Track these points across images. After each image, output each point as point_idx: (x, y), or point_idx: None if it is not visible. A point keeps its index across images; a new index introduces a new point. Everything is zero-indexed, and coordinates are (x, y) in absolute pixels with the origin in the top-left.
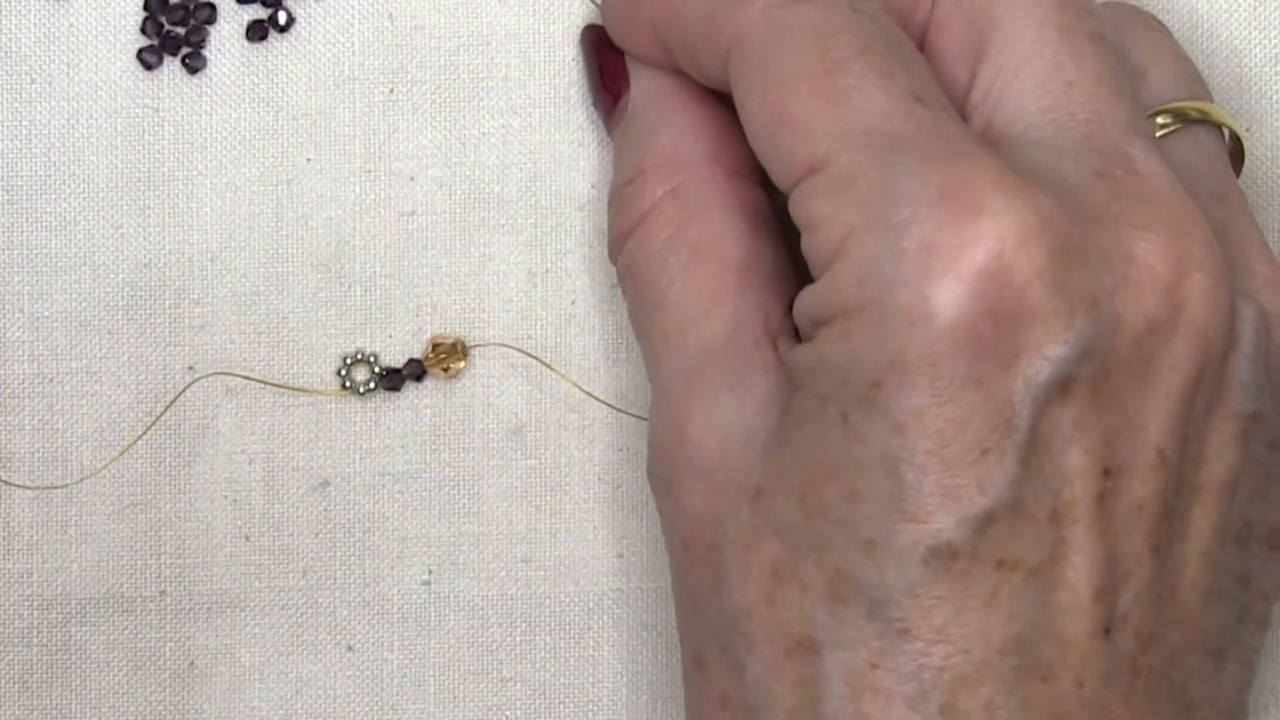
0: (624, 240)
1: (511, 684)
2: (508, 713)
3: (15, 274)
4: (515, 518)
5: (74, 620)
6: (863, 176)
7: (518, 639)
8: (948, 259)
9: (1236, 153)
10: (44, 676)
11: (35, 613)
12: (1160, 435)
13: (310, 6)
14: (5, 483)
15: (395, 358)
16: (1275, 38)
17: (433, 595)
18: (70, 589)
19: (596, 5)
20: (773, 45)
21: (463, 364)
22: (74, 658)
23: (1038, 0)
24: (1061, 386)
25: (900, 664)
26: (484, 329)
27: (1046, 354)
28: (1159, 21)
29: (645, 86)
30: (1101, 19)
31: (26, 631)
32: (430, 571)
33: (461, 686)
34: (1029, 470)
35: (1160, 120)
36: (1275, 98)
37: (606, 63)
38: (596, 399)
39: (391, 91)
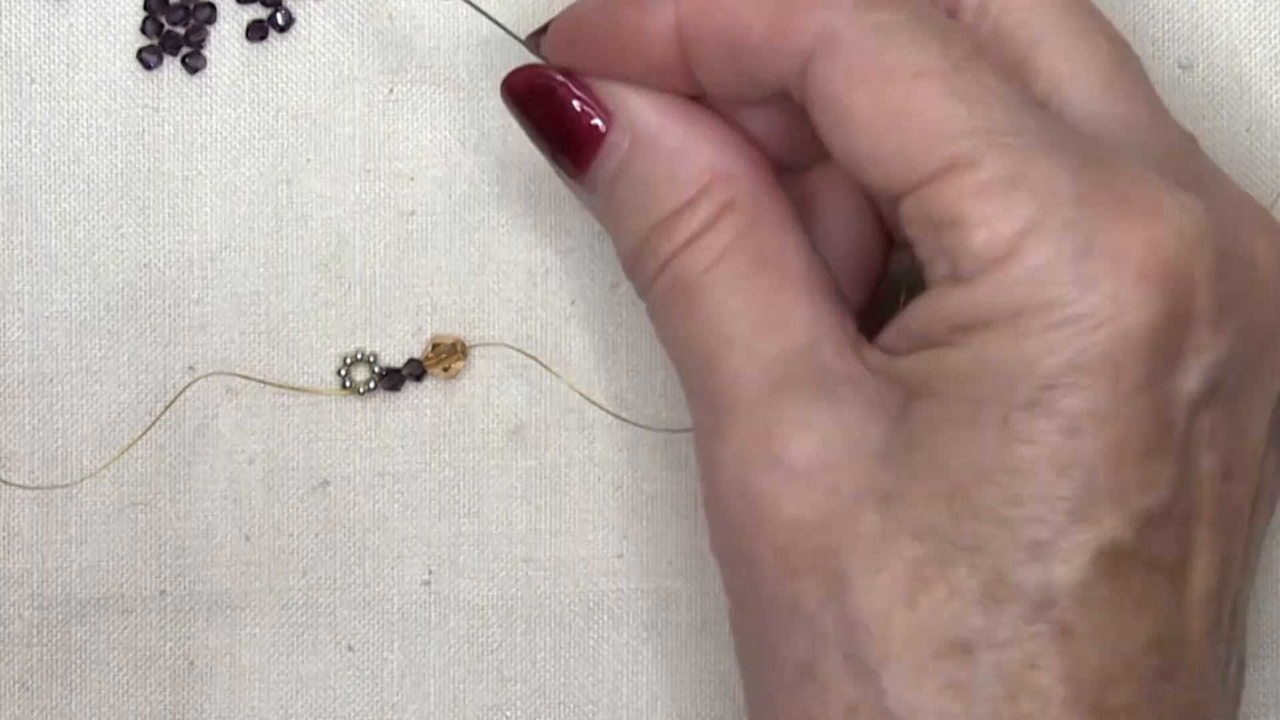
0: (671, 260)
1: (511, 684)
2: (508, 713)
3: (15, 274)
4: (515, 518)
5: (74, 620)
6: (1025, 177)
7: (518, 639)
8: (1134, 259)
9: None
10: (44, 676)
11: (35, 613)
12: (1258, 438)
13: (310, 6)
14: (5, 482)
15: (395, 358)
16: (1275, 38)
17: (433, 595)
18: (70, 589)
19: (527, 46)
20: (880, 39)
21: (462, 364)
22: (74, 658)
23: (1073, 9)
24: (1211, 389)
25: (1058, 665)
26: (484, 329)
27: (1204, 358)
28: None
29: (646, 110)
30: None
31: (26, 631)
32: (430, 571)
33: (461, 686)
34: (1181, 472)
35: None
36: (1275, 98)
37: (571, 100)
38: (593, 403)
39: (391, 91)
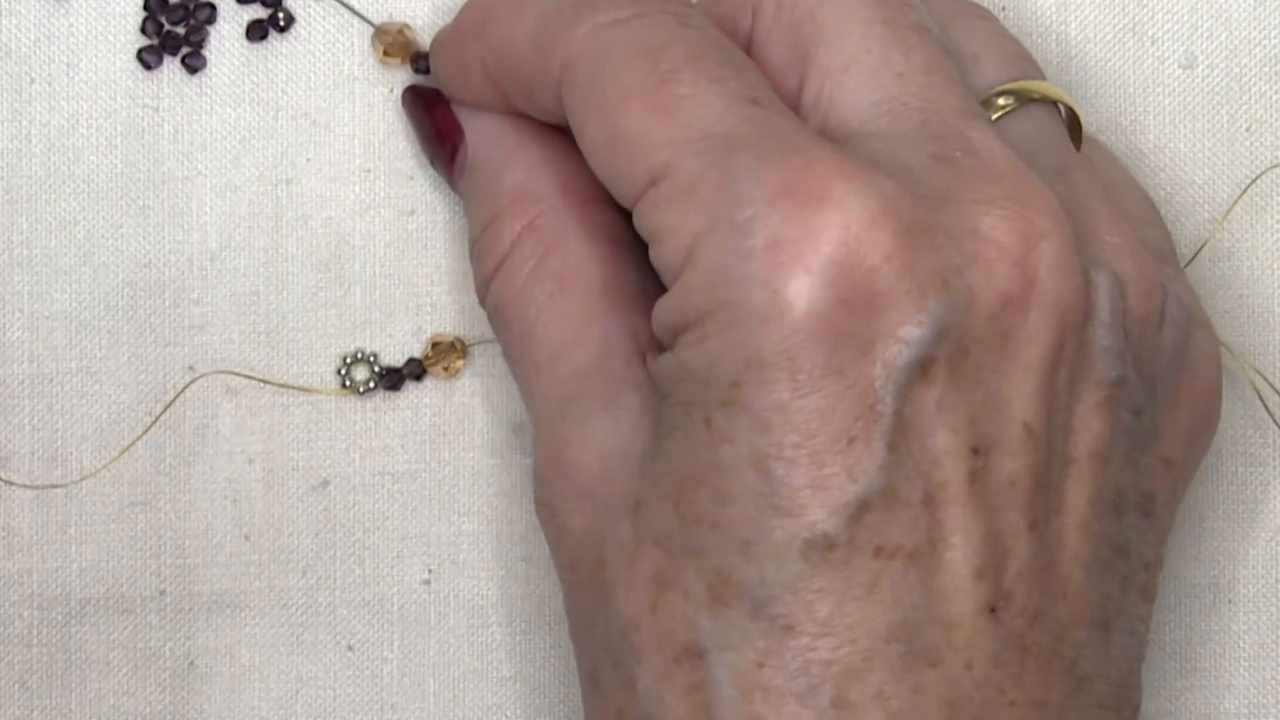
0: (489, 283)
1: (511, 684)
2: (508, 713)
3: (15, 274)
4: (515, 517)
5: (74, 620)
6: (703, 181)
7: (518, 639)
8: (795, 252)
9: (1075, 128)
10: (44, 676)
11: (35, 613)
12: (1025, 409)
13: (310, 6)
14: (6, 482)
15: (395, 357)
16: (1275, 38)
17: (433, 595)
18: (70, 589)
19: (416, 71)
20: (602, 64)
21: (462, 363)
22: (74, 658)
23: (857, 0)
24: (921, 368)
25: (788, 661)
26: (484, 329)
27: (903, 337)
28: (986, 10)
29: (482, 131)
30: (922, 11)
31: (26, 631)
32: (430, 571)
33: (461, 686)
34: (898, 455)
35: (1000, 102)
36: (1275, 98)
37: (437, 117)
38: None
39: (391, 91)
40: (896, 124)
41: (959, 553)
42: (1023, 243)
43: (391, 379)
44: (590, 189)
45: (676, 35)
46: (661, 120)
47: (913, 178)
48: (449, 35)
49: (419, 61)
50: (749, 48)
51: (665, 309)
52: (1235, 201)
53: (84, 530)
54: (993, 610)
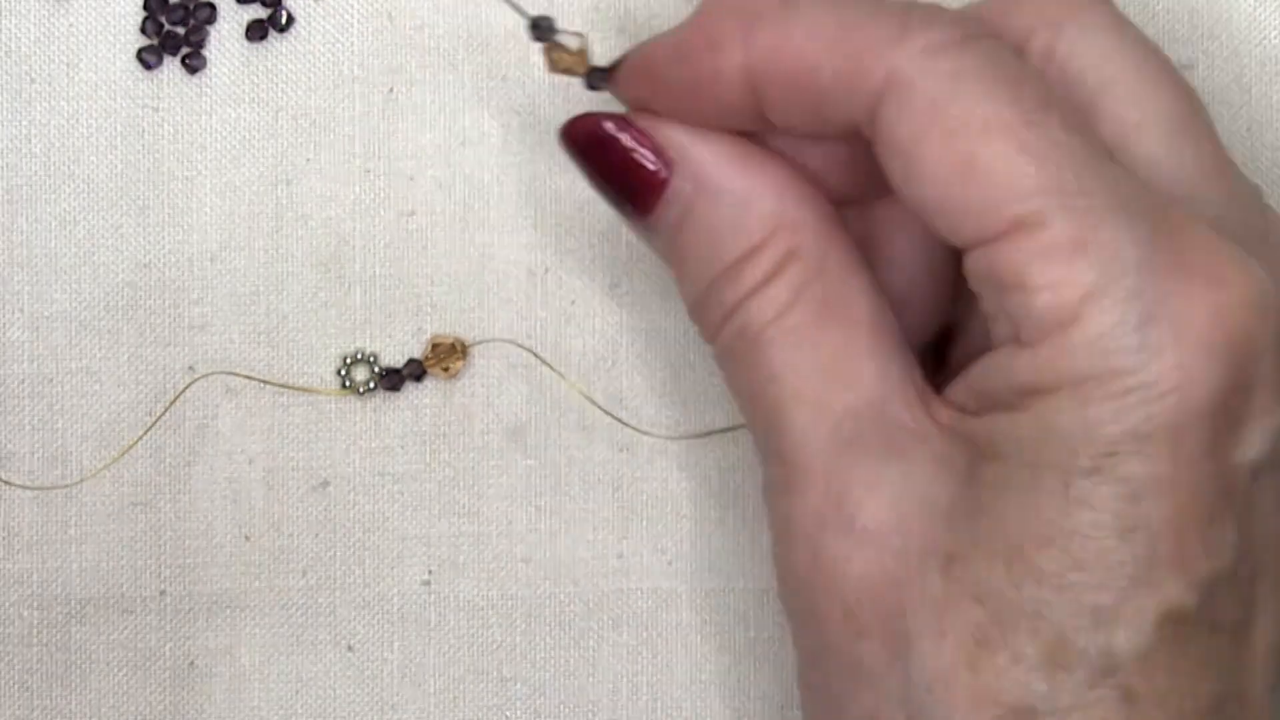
0: (734, 311)
1: (511, 684)
2: (508, 713)
3: (15, 274)
4: (515, 518)
5: (74, 620)
6: (1091, 241)
7: (518, 639)
8: (1199, 329)
9: None
10: (44, 676)
11: (35, 613)
12: None
13: (310, 6)
14: (6, 483)
15: (395, 358)
16: (1275, 38)
17: (433, 595)
18: (70, 589)
19: (590, 88)
20: (950, 87)
21: (462, 364)
22: (74, 658)
23: (1145, 55)
24: (1274, 455)
25: None
26: (484, 329)
27: (1267, 424)
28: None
29: (708, 157)
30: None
31: (26, 631)
32: (430, 571)
33: (461, 686)
34: (1243, 536)
35: None
36: (1275, 98)
37: (629, 148)
38: (596, 405)
39: (391, 91)
40: (1209, 193)
41: (1261, 632)
42: None
43: (391, 379)
44: (836, 219)
45: (1026, 71)
46: (1032, 164)
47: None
48: (674, 46)
49: (595, 77)
50: None
51: (1025, 366)
52: None
53: (84, 530)
54: (1274, 685)
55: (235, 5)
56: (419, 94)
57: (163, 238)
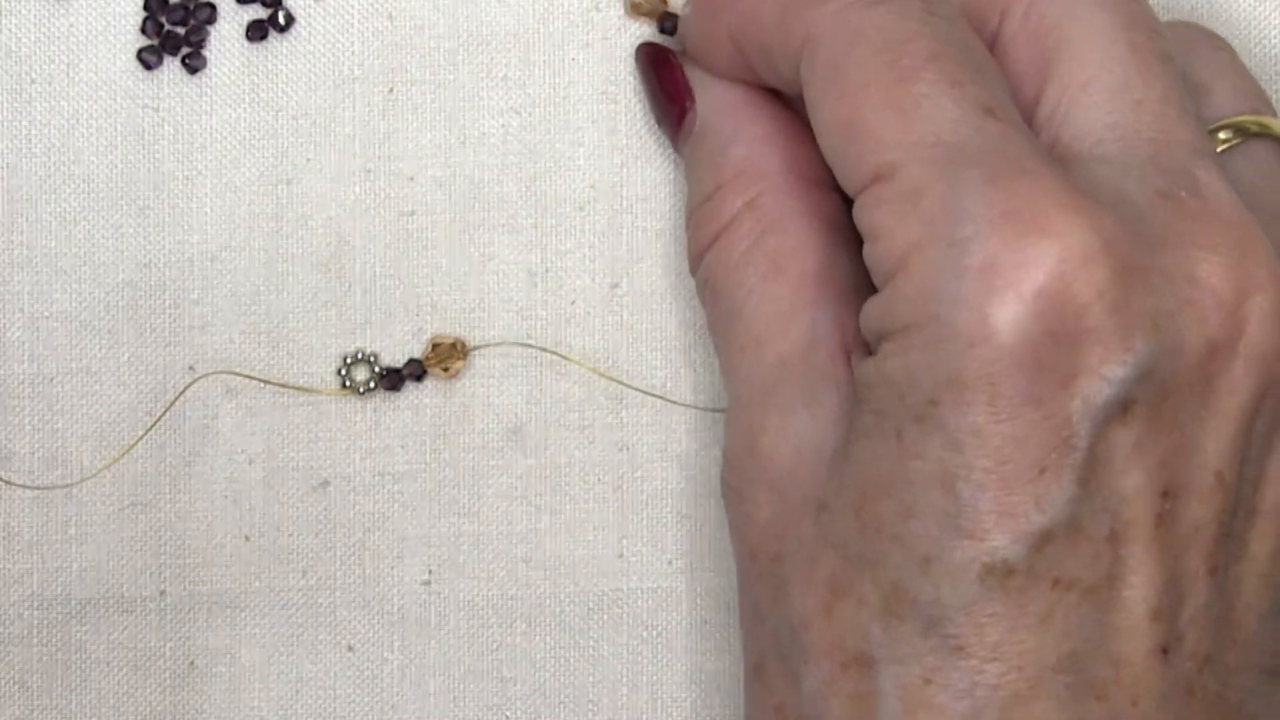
0: (703, 254)
1: (511, 684)
2: (508, 713)
3: (15, 274)
4: (515, 518)
5: (74, 620)
6: (928, 190)
7: (518, 639)
8: (1009, 278)
9: None
10: (44, 676)
11: (35, 613)
12: (1218, 457)
13: (310, 6)
14: (6, 482)
15: (395, 358)
16: (1275, 38)
17: (433, 595)
18: (70, 589)
19: (662, 32)
20: (844, 48)
21: (462, 364)
22: (74, 658)
23: (1107, 18)
24: (1121, 407)
25: (954, 680)
26: (484, 329)
27: (1105, 374)
28: (1223, 41)
29: (714, 100)
30: (1167, 39)
31: (26, 631)
32: (430, 571)
33: (461, 686)
34: (1087, 490)
35: (1221, 136)
36: (1275, 98)
37: (666, 79)
38: (611, 378)
39: (391, 91)
40: (1127, 152)
41: (1138, 592)
42: (1237, 293)
43: (391, 379)
44: (814, 173)
45: (923, 28)
46: (896, 118)
47: (1135, 213)
48: (690, 10)
49: (666, 22)
50: (993, 48)
51: (872, 312)
52: None
53: (84, 530)
54: (1164, 651)
55: (235, 5)
56: (419, 94)
57: (163, 238)
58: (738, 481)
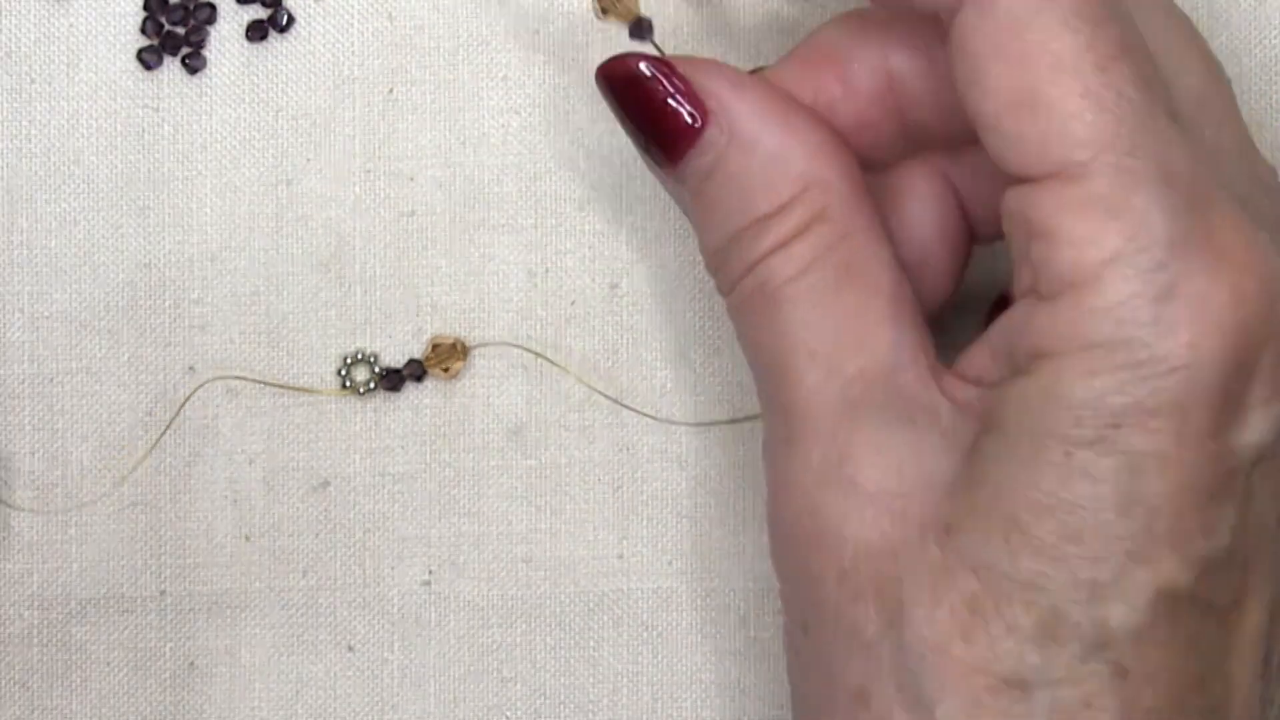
0: (757, 263)
1: (511, 684)
2: (508, 713)
3: (15, 274)
4: (515, 518)
5: (74, 620)
6: (1126, 205)
7: (518, 639)
8: (1214, 309)
9: None
10: (44, 676)
11: (35, 613)
12: None
13: (310, 6)
14: (6, 504)
15: (395, 358)
16: (1275, 38)
17: (433, 595)
18: (70, 589)
19: (633, 38)
20: (1033, 10)
21: (462, 364)
22: (74, 658)
23: (1178, 31)
24: (1275, 441)
25: (1114, 705)
26: (484, 329)
27: (1268, 411)
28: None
29: (750, 110)
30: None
31: (26, 631)
32: (430, 571)
33: (461, 686)
34: (1244, 519)
35: None
36: (1275, 98)
37: (679, 89)
38: (601, 394)
39: (391, 91)
40: (1239, 173)
41: (1251, 616)
42: None
43: (391, 380)
44: (863, 182)
45: (1110, 8)
46: (1092, 113)
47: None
48: None
49: (639, 27)
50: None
51: (1040, 324)
52: None
53: (84, 530)
54: (1264, 667)
55: (235, 5)
56: (419, 94)
57: (163, 238)
58: (820, 500)
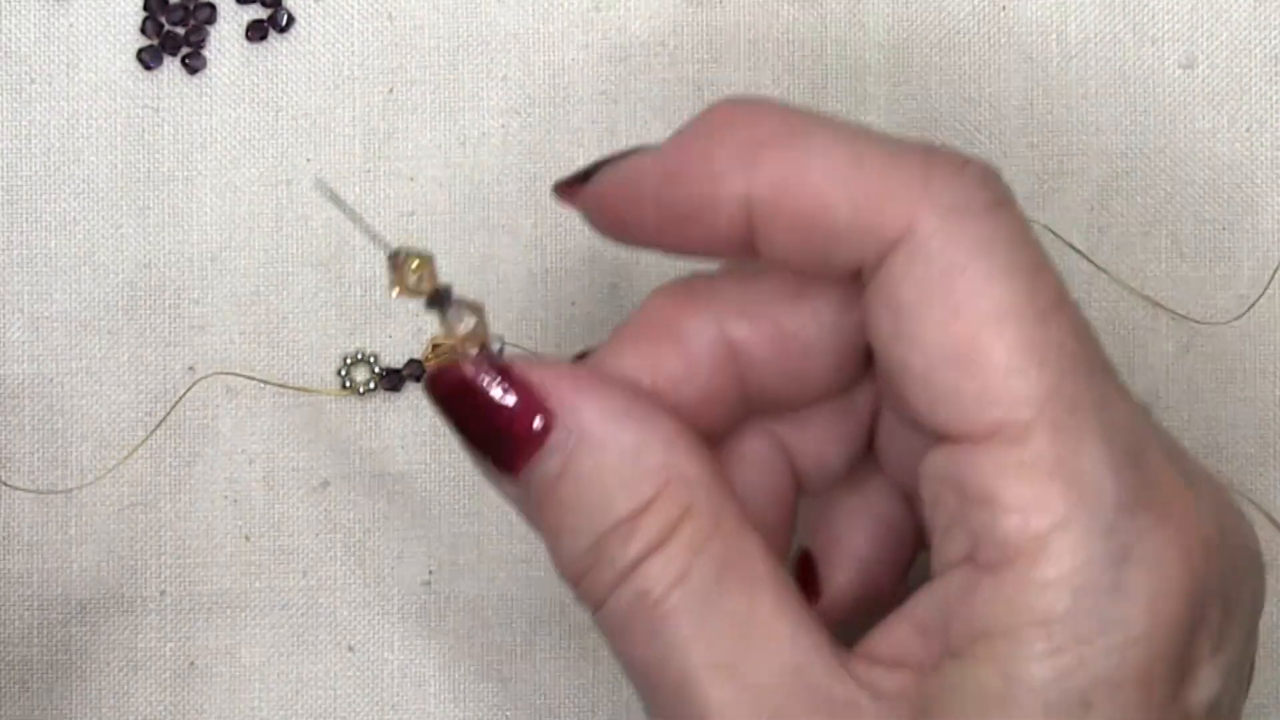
0: (628, 573)
1: (511, 684)
2: (508, 713)
3: (15, 274)
4: (515, 518)
5: (74, 620)
6: (1074, 467)
7: (518, 639)
8: (1167, 572)
9: None
10: (44, 676)
11: (35, 613)
12: None
13: (310, 6)
14: (7, 485)
15: (395, 358)
16: (1275, 38)
17: (433, 595)
18: (70, 589)
19: (430, 308)
20: (967, 259)
21: None
22: (74, 658)
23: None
24: (1219, 697)
25: None
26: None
27: (1214, 667)
28: None
29: (601, 409)
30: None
31: (26, 631)
32: (430, 572)
33: (461, 686)
34: None
35: None
36: (1275, 98)
37: (519, 391)
38: None
39: (391, 91)
40: (1132, 422)
41: None
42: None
43: (391, 380)
44: (722, 472)
45: (1043, 254)
46: (1036, 368)
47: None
48: (666, 166)
49: (441, 299)
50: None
51: (985, 598)
52: None
53: (84, 531)
54: None
55: (235, 5)
56: (419, 94)
57: (163, 238)
58: None
